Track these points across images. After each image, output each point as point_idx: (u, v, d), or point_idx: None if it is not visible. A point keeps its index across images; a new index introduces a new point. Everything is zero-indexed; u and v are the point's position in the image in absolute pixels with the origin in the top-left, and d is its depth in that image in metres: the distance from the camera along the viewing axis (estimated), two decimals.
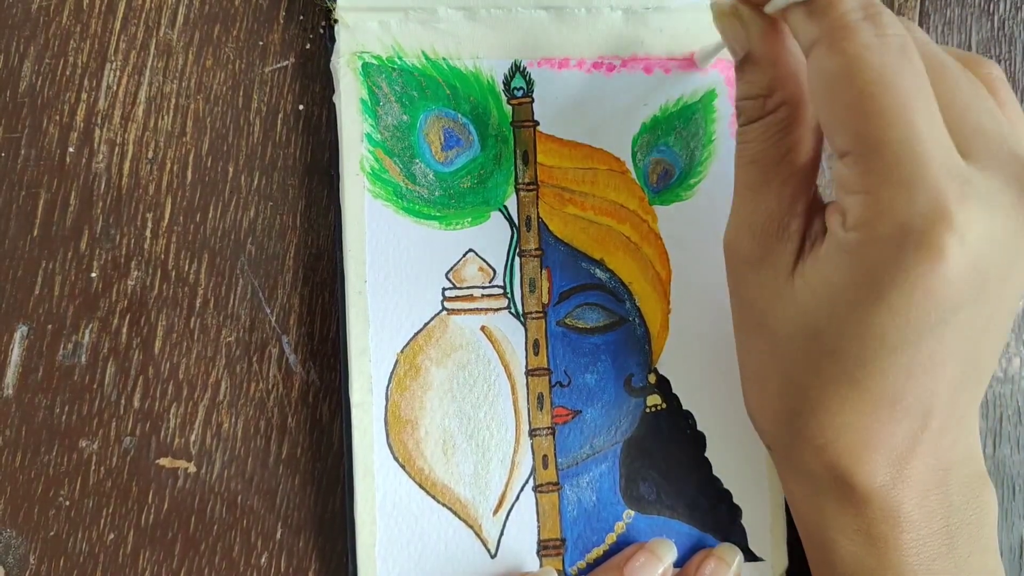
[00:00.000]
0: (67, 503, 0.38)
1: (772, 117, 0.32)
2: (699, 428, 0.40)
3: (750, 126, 0.33)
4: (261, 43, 0.40)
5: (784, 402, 0.33)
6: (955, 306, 0.29)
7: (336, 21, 0.39)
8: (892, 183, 0.28)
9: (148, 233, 0.39)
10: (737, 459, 0.40)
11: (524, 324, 0.39)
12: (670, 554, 0.38)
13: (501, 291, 0.39)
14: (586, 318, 0.40)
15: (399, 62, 0.39)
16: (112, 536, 0.38)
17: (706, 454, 0.40)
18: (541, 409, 0.39)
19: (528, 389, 0.39)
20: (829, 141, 0.30)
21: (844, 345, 0.30)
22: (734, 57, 0.34)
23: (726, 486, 0.40)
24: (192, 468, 0.38)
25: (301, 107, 0.40)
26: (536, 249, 0.39)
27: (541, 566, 0.39)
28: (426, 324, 0.39)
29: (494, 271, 0.39)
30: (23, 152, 0.39)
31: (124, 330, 0.39)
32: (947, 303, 0.28)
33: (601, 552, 0.39)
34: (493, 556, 0.38)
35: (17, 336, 0.38)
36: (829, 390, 0.31)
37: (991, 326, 0.31)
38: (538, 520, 0.39)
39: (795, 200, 0.32)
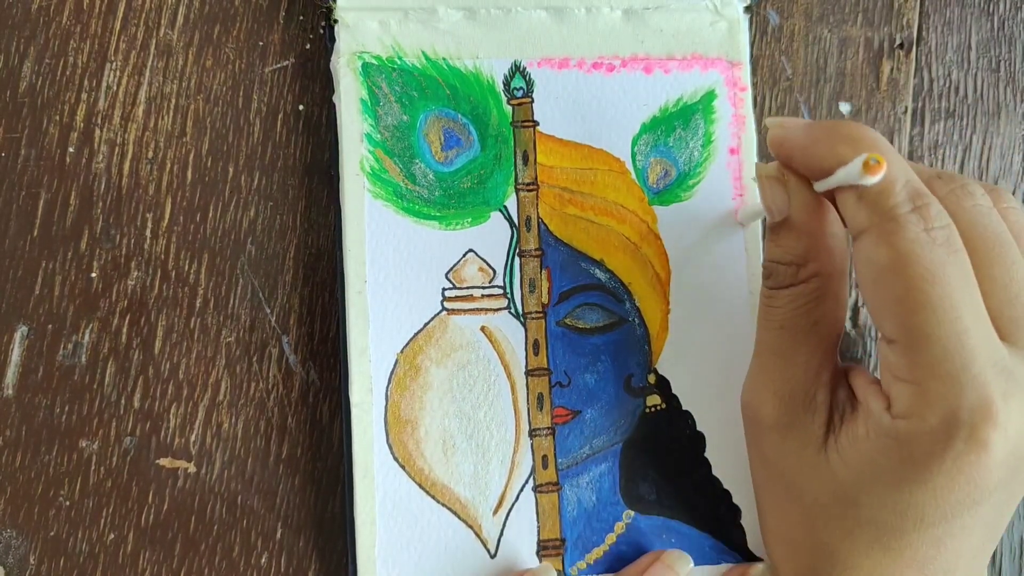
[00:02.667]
0: (67, 503, 0.38)
1: (804, 287, 0.33)
2: (698, 428, 0.40)
3: (780, 291, 0.34)
4: (261, 43, 0.40)
5: (811, 559, 0.34)
6: (992, 488, 0.30)
7: (336, 21, 0.39)
8: (941, 377, 0.29)
9: (148, 233, 0.39)
10: (736, 459, 0.40)
11: (524, 324, 0.39)
12: (685, 567, 0.39)
13: (501, 291, 0.39)
14: (586, 318, 0.40)
15: (399, 62, 0.39)
16: (112, 536, 0.38)
17: (705, 454, 0.40)
18: (541, 409, 0.39)
19: (528, 389, 0.39)
20: (876, 325, 0.31)
21: (882, 518, 0.31)
22: (769, 218, 0.34)
23: (725, 486, 0.40)
24: (192, 468, 0.39)
25: (301, 107, 0.40)
26: (536, 249, 0.39)
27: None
28: (426, 324, 0.39)
29: (494, 271, 0.39)
30: (23, 152, 0.39)
31: (124, 330, 0.39)
32: (986, 486, 0.30)
33: (601, 552, 0.39)
34: (493, 556, 0.38)
35: (17, 336, 0.38)
36: (861, 553, 0.32)
37: (1016, 497, 0.33)
38: (538, 520, 0.39)
39: (821, 370, 0.33)
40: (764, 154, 0.42)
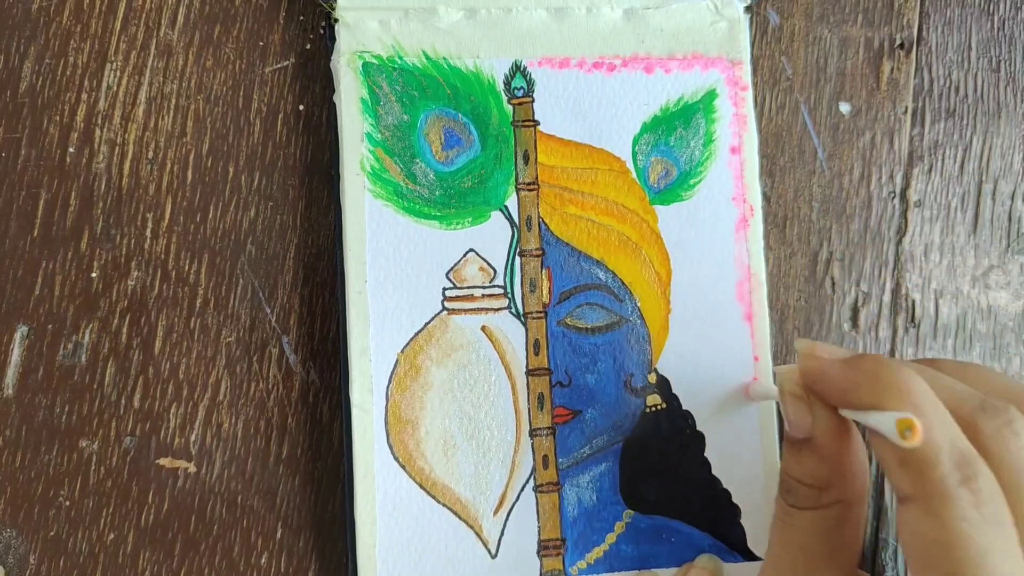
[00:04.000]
0: (67, 503, 0.38)
1: (826, 512, 0.32)
2: (698, 428, 0.40)
3: (800, 512, 0.32)
4: (261, 43, 0.40)
5: None
6: None
7: (336, 21, 0.39)
8: None
9: (148, 233, 0.39)
10: (736, 459, 0.40)
11: (524, 324, 0.39)
12: (719, 568, 0.39)
13: (502, 291, 0.39)
14: (586, 318, 0.40)
15: (399, 61, 0.39)
16: (112, 536, 0.38)
17: (705, 454, 0.40)
18: (541, 409, 0.39)
19: (528, 389, 0.39)
20: None
21: None
22: (790, 430, 0.33)
23: (725, 486, 0.40)
24: (192, 468, 0.38)
25: (301, 107, 0.40)
26: (537, 249, 0.39)
27: (542, 566, 0.38)
28: (426, 324, 0.39)
29: (495, 271, 0.39)
30: (23, 152, 0.39)
31: (124, 330, 0.39)
32: None
33: (601, 552, 0.39)
34: (493, 556, 0.38)
35: (17, 336, 0.38)
36: None
37: None
38: (538, 520, 0.39)
39: None
40: (765, 154, 0.42)
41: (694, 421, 0.40)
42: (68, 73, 0.39)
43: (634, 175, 0.40)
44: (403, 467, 0.38)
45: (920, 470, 0.29)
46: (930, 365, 0.33)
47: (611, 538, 0.39)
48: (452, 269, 0.39)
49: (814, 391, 0.32)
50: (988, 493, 0.28)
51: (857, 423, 0.32)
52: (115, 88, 0.39)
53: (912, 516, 0.29)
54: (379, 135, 0.39)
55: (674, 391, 0.40)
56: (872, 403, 0.30)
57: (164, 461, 0.38)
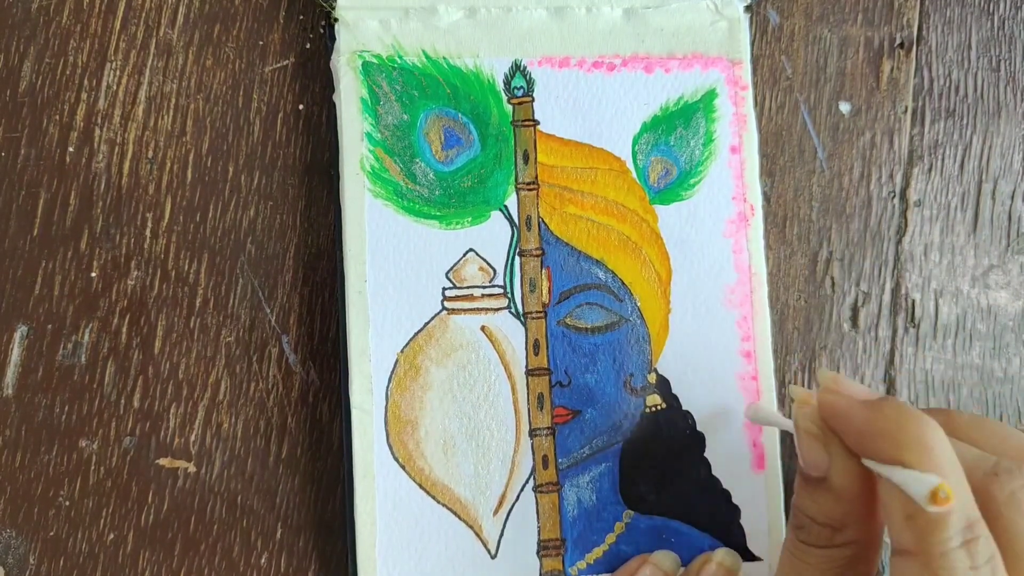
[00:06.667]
0: (67, 503, 0.38)
1: (840, 551, 0.31)
2: (698, 428, 0.40)
3: (812, 550, 0.32)
4: (261, 43, 0.40)
5: None
6: None
7: (336, 20, 0.39)
8: None
9: (148, 233, 0.39)
10: (736, 459, 0.40)
11: (524, 324, 0.39)
12: (673, 564, 0.38)
13: (501, 291, 0.39)
14: (586, 318, 0.40)
15: (399, 61, 0.39)
16: (112, 536, 0.38)
17: (705, 454, 0.40)
18: (541, 409, 0.39)
19: (528, 389, 0.39)
20: None
21: None
22: (804, 468, 0.32)
23: (725, 486, 0.40)
24: (192, 468, 0.38)
25: (301, 107, 0.40)
26: (536, 249, 0.39)
27: (541, 567, 0.38)
28: (426, 324, 0.39)
29: (494, 271, 0.39)
30: (23, 152, 0.39)
31: (124, 330, 0.39)
32: None
33: (601, 552, 0.39)
34: (493, 556, 0.38)
35: (17, 336, 0.38)
36: None
37: None
38: (538, 520, 0.39)
39: None
40: (764, 153, 0.42)
41: (694, 421, 0.40)
42: (68, 73, 0.39)
43: (634, 175, 0.40)
44: (403, 467, 0.38)
45: (927, 529, 0.28)
46: (945, 416, 0.33)
47: (611, 538, 0.39)
48: (452, 269, 0.39)
49: (832, 428, 0.31)
50: (985, 555, 0.28)
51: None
52: (115, 87, 0.39)
53: (908, 569, 0.29)
54: (379, 135, 0.39)
55: (674, 391, 0.40)
56: (894, 457, 0.29)
57: (164, 461, 0.38)
